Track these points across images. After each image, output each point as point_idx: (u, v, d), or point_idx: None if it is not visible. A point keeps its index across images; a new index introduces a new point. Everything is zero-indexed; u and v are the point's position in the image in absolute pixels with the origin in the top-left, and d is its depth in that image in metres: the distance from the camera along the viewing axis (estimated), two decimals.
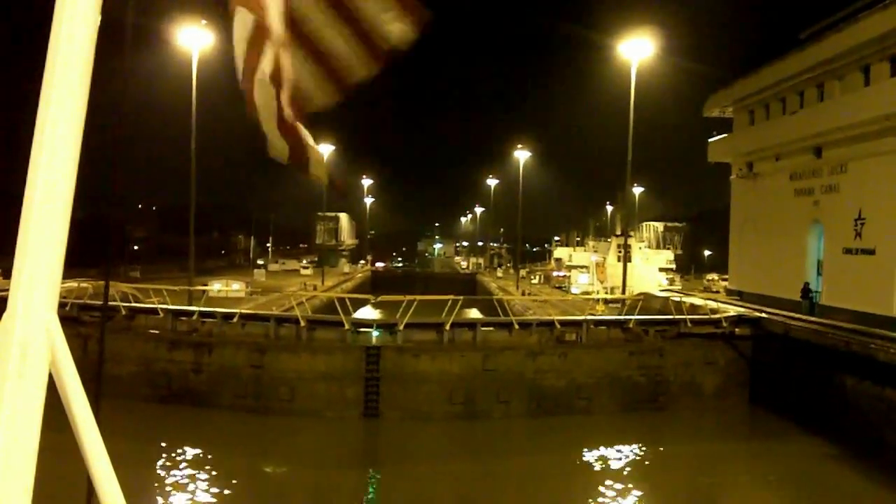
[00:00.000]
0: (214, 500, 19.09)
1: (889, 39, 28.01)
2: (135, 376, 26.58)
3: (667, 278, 67.42)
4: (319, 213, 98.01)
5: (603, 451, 24.31)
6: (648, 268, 65.86)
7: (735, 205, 42.31)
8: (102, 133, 2.20)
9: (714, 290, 66.07)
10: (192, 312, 28.87)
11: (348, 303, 28.62)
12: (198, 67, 36.35)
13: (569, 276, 74.88)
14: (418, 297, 28.01)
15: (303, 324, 27.15)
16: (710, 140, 44.43)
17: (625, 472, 22.42)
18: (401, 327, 26.82)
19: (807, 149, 34.16)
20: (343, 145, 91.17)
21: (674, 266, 74.49)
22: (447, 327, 27.13)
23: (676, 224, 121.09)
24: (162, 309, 28.82)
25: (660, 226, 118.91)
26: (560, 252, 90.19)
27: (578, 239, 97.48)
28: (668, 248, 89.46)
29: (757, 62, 39.21)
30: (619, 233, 70.97)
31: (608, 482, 21.26)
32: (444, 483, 21.98)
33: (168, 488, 19.60)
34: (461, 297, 28.65)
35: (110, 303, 28.06)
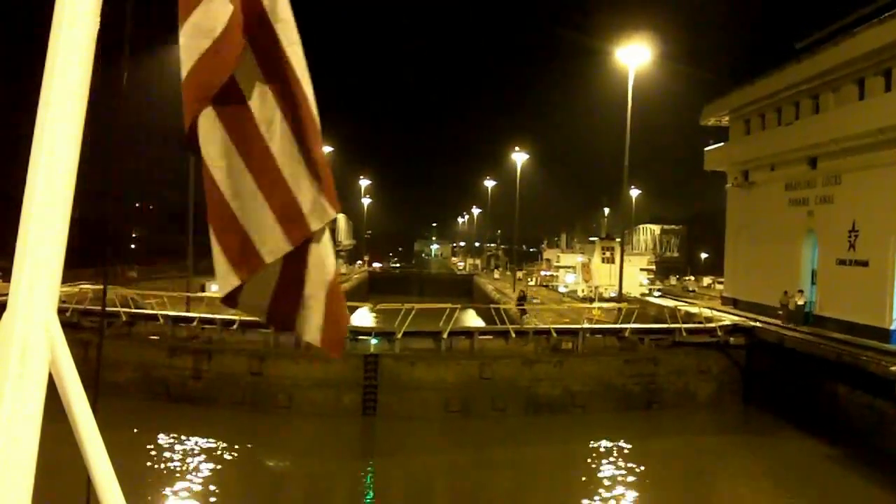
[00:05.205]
0: (211, 488, 19.48)
1: (884, 54, 28.30)
2: (133, 382, 26.81)
3: (647, 278, 74.53)
4: None
5: (597, 444, 24.82)
6: (630, 268, 69.25)
7: (731, 213, 42.62)
8: (102, 134, 2.20)
9: (690, 289, 73.34)
10: (193, 319, 29.10)
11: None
12: None
13: (556, 276, 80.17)
14: (417, 306, 28.26)
15: None
16: (706, 149, 44.74)
17: (619, 463, 22.88)
18: (399, 335, 27.09)
19: (802, 159, 34.46)
20: (342, 146, 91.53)
21: (654, 267, 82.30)
22: (445, 336, 27.42)
23: (673, 227, 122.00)
24: (162, 315, 29.03)
25: (657, 228, 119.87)
26: (549, 253, 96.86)
27: (558, 240, 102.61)
28: (653, 252, 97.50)
29: (753, 72, 39.57)
30: (604, 236, 76.40)
31: (603, 472, 21.91)
32: (440, 473, 22.56)
33: (162, 477, 19.96)
34: (458, 306, 29.00)
35: (111, 308, 28.26)
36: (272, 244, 2.02)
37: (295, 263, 2.07)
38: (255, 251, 2.02)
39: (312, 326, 2.12)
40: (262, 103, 2.00)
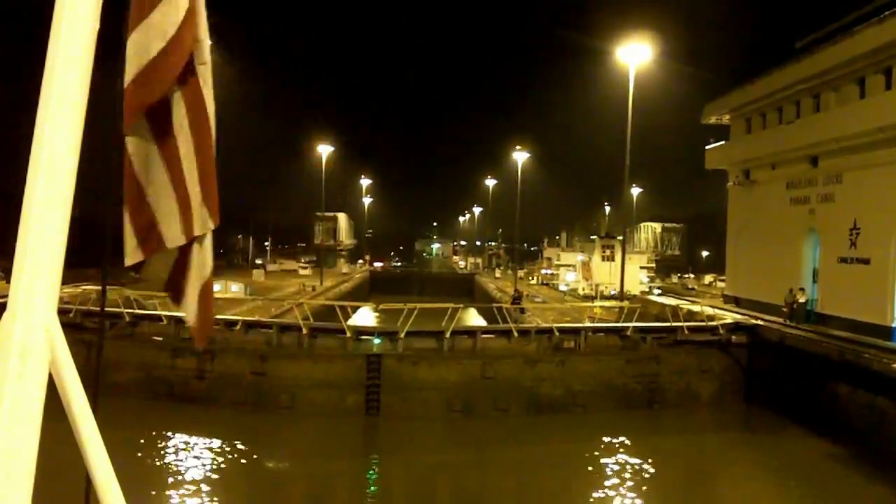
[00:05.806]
0: (213, 488, 19.58)
1: (884, 53, 28.30)
2: (136, 382, 26.85)
3: (648, 276, 75.98)
4: (318, 213, 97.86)
5: (599, 444, 24.87)
6: (630, 267, 70.17)
7: (732, 212, 42.60)
8: (102, 134, 2.25)
9: (690, 287, 74.60)
10: None
11: (349, 309, 28.89)
12: None
13: (557, 274, 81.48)
14: (419, 305, 28.27)
15: (305, 331, 27.44)
16: (707, 148, 44.72)
17: (621, 463, 22.94)
18: (402, 335, 27.11)
19: (803, 158, 34.46)
20: (343, 145, 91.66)
21: (653, 265, 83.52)
22: (447, 335, 27.43)
23: (675, 225, 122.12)
24: (165, 315, 29.05)
25: (658, 226, 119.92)
26: (549, 252, 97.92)
27: (558, 239, 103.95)
28: (654, 250, 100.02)
29: (753, 71, 39.55)
30: (604, 234, 77.67)
31: (605, 471, 22.01)
32: (443, 473, 22.66)
33: (163, 477, 20.05)
34: (461, 305, 29.00)
35: (114, 309, 28.28)
36: (174, 232, 2.24)
37: (184, 255, 2.31)
38: (159, 235, 2.23)
39: (190, 312, 2.35)
40: (177, 106, 2.16)
